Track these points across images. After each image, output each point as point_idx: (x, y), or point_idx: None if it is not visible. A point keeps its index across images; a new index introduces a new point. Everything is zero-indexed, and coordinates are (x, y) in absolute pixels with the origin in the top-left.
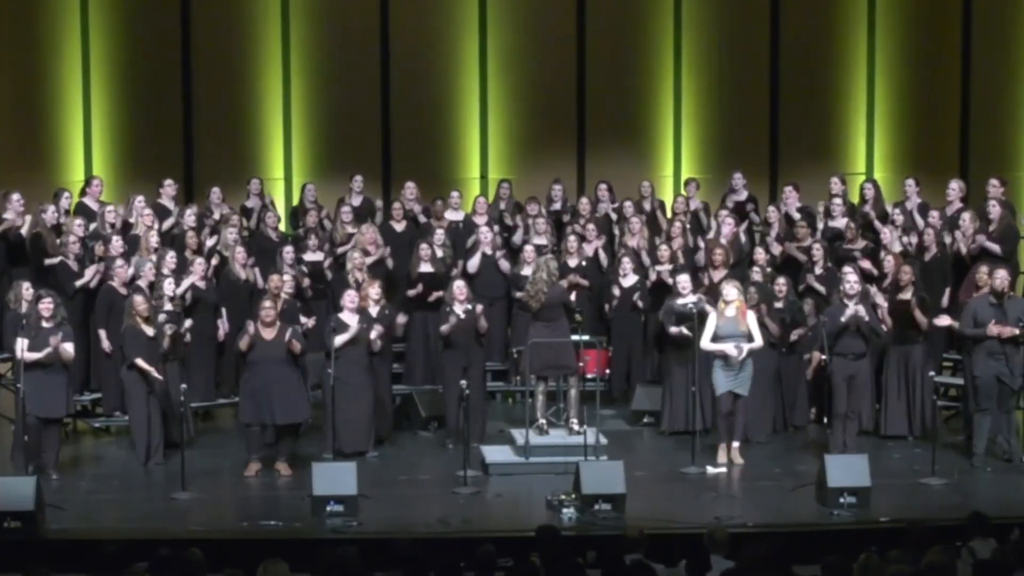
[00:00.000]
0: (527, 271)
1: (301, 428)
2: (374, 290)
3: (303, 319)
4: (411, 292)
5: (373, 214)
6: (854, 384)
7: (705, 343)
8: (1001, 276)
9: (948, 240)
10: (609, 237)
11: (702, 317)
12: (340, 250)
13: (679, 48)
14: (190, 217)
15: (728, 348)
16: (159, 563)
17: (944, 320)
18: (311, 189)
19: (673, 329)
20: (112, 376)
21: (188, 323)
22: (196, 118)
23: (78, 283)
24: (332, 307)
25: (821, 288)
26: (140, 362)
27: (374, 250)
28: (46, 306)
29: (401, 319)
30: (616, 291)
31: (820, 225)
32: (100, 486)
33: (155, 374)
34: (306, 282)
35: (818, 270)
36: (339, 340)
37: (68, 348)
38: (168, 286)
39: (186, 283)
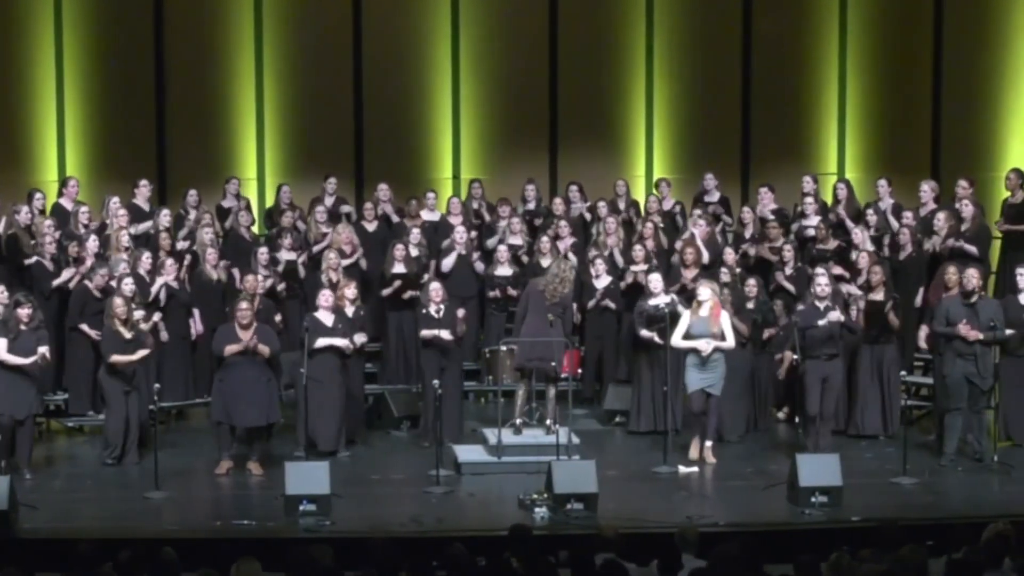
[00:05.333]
0: (501, 271)
1: (273, 428)
2: (350, 290)
3: (277, 318)
4: (385, 292)
5: (340, 216)
6: (827, 385)
7: (676, 340)
8: (971, 276)
9: (925, 242)
10: (583, 238)
11: (674, 318)
12: (316, 249)
13: (651, 49)
14: (164, 218)
15: (699, 344)
16: (126, 564)
17: (922, 333)
18: (286, 190)
19: (644, 332)
20: (82, 376)
21: (157, 316)
22: (170, 119)
23: (55, 283)
24: (305, 307)
25: (791, 287)
26: (117, 357)
27: (350, 250)
28: (26, 312)
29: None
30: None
31: (795, 227)
32: (74, 485)
33: (132, 359)
34: (280, 284)
35: (788, 270)
36: (321, 342)
37: (45, 353)
38: (127, 286)
39: (157, 286)
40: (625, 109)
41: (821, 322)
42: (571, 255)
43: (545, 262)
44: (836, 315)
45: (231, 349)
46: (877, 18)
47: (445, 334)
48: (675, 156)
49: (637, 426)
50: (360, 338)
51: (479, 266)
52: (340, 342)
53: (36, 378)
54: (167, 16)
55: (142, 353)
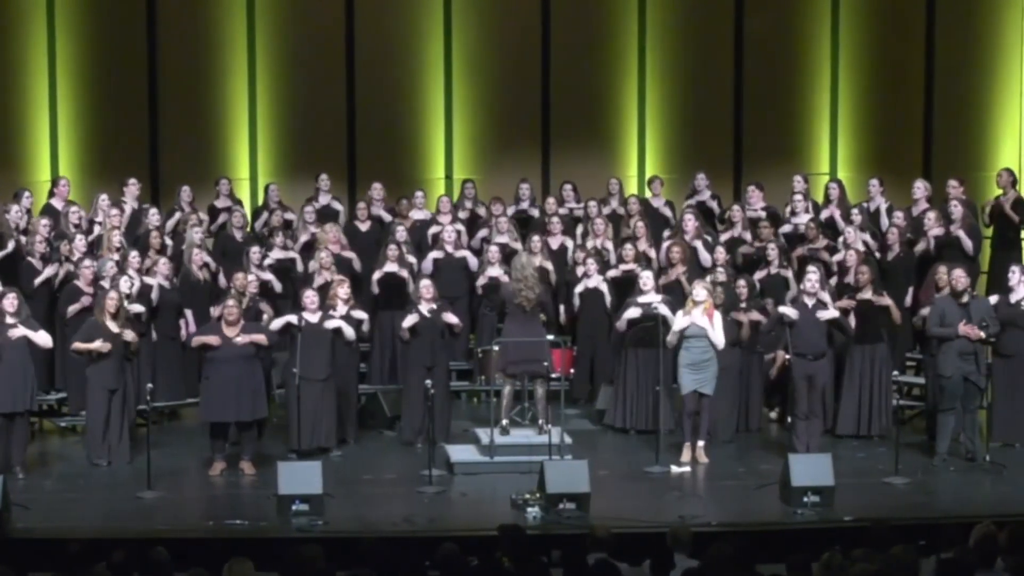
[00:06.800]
0: (492, 271)
1: (264, 427)
2: (343, 290)
3: (264, 314)
4: (376, 279)
5: (335, 215)
6: (813, 384)
7: (670, 337)
8: (958, 276)
9: (919, 242)
10: (573, 237)
11: (665, 316)
12: (297, 246)
13: (643, 49)
14: (154, 217)
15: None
16: (119, 564)
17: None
18: (274, 189)
19: (621, 324)
20: (77, 376)
21: (141, 308)
22: (162, 119)
23: (37, 280)
24: (296, 306)
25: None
26: (78, 344)
27: (338, 248)
28: (10, 302)
29: (362, 315)
30: (577, 294)
31: (787, 227)
32: (66, 485)
33: (90, 347)
34: (270, 280)
35: (772, 269)
36: (276, 324)
37: (43, 336)
38: (124, 284)
39: (135, 288)
40: (617, 108)
41: (822, 315)
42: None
43: (536, 261)
44: (829, 314)
45: (197, 340)
46: (869, 18)
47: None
48: (667, 155)
49: (613, 421)
50: (349, 332)
51: (472, 262)
52: (345, 328)
53: (30, 373)
54: (160, 16)
55: (99, 344)
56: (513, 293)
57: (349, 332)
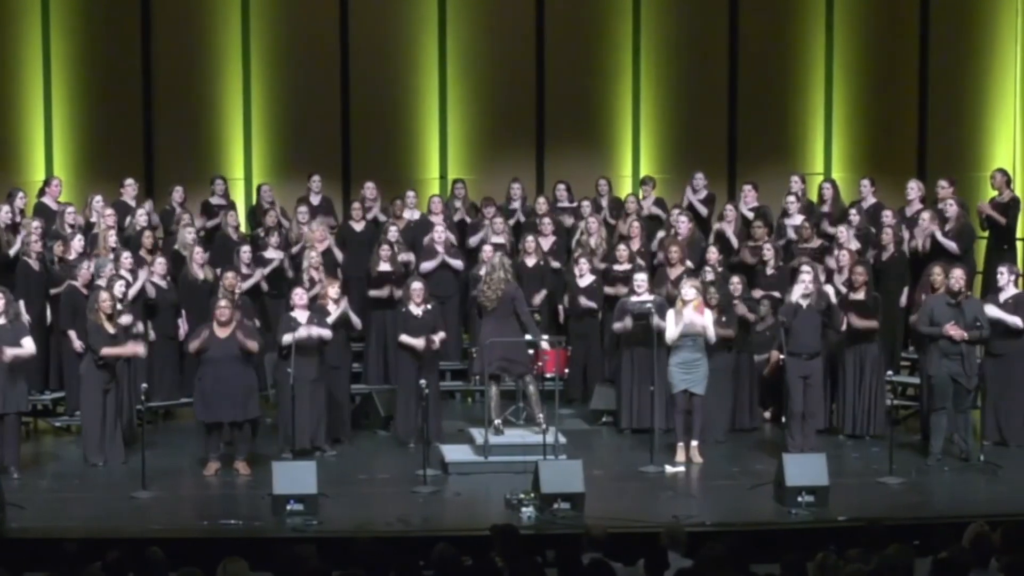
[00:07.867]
0: (483, 271)
1: (259, 427)
2: (333, 289)
3: (257, 322)
4: (373, 292)
5: (333, 212)
6: (808, 383)
7: (672, 334)
8: (957, 276)
9: (907, 238)
10: (568, 238)
11: (660, 313)
12: (294, 249)
13: (638, 49)
14: (142, 217)
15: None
16: (114, 564)
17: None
18: (267, 190)
19: (617, 325)
20: (75, 375)
21: (129, 319)
22: (156, 119)
23: (53, 291)
24: (289, 307)
25: (774, 292)
26: (107, 350)
27: (323, 246)
28: None
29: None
30: (575, 294)
31: (781, 223)
32: (61, 485)
33: (123, 351)
34: (264, 285)
35: (769, 270)
36: (287, 338)
37: (24, 347)
38: (119, 287)
39: (136, 286)
40: (612, 108)
41: (793, 298)
42: (488, 250)
43: (530, 261)
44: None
45: (193, 346)
46: (863, 18)
47: (420, 343)
48: (662, 156)
49: (619, 424)
50: (318, 330)
51: (455, 263)
52: (315, 331)
53: (22, 374)
54: (154, 16)
55: (132, 347)
56: (478, 292)
57: (322, 333)
